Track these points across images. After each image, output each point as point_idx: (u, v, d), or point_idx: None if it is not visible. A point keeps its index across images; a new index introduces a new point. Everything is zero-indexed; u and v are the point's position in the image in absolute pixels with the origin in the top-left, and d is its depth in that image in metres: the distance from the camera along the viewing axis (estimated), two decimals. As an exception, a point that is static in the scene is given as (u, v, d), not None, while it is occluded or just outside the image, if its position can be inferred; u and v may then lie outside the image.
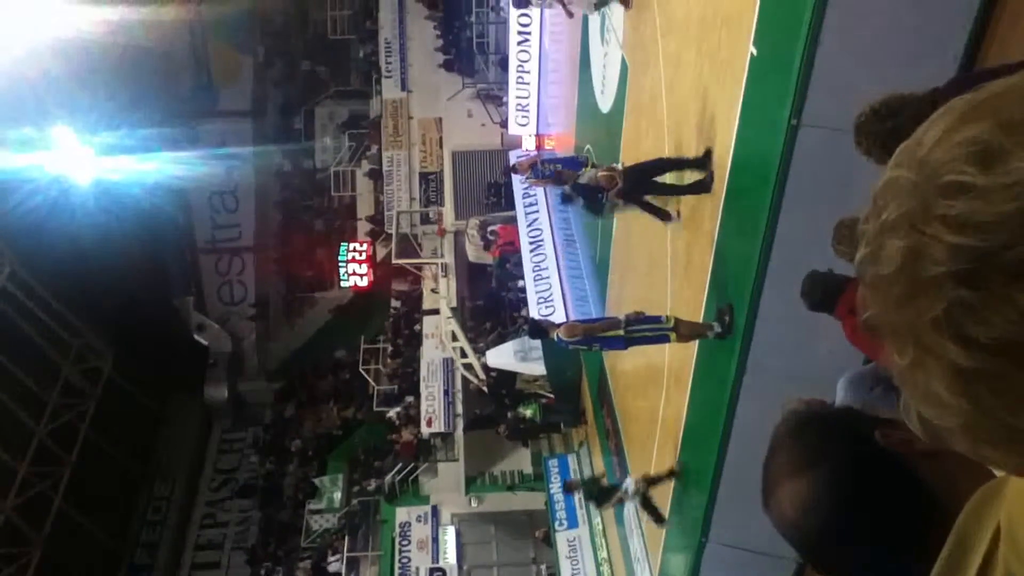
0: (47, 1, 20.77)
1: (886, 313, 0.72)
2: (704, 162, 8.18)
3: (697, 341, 8.86)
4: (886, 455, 1.03)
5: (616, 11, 11.99)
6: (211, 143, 27.19)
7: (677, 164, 8.79)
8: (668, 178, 9.02)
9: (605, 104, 13.46)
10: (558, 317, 16.45)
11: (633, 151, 11.78)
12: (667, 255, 10.00)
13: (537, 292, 15.57)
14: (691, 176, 8.58)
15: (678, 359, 9.88)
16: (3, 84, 20.89)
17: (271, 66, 29.51)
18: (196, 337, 28.40)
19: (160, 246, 28.66)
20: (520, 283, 18.33)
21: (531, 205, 17.31)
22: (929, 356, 0.69)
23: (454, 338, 20.30)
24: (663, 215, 9.31)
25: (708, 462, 8.63)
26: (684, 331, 8.27)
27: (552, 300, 15.10)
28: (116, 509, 26.43)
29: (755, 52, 7.01)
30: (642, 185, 9.04)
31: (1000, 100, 0.70)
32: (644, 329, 8.23)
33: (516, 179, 17.78)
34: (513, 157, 17.48)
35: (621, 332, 8.18)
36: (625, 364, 13.54)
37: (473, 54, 22.45)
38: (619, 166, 9.95)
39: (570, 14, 13.51)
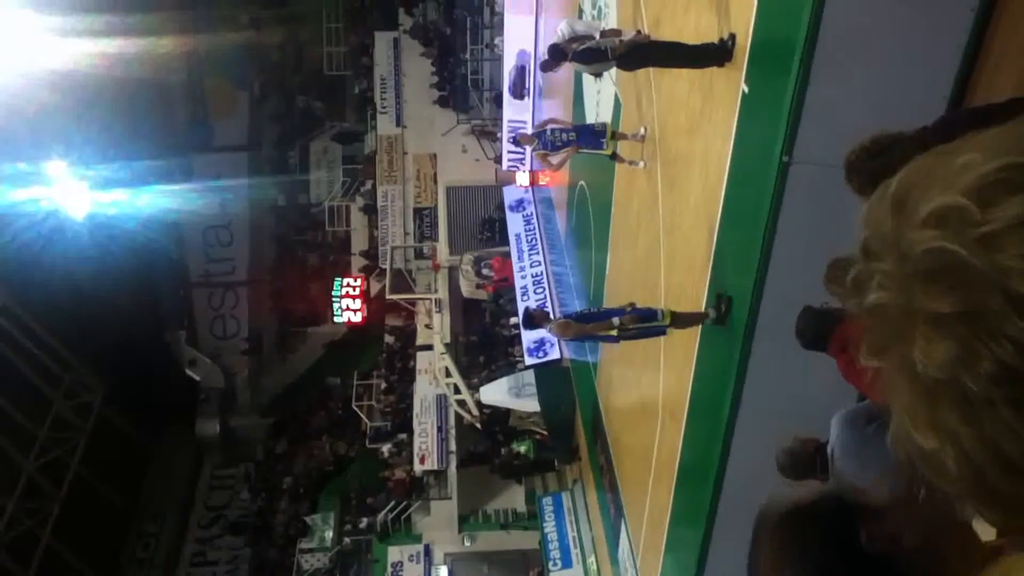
0: (43, 34, 20.92)
1: (915, 410, 0.69)
2: (723, 54, 7.53)
3: (693, 370, 8.84)
4: (871, 560, 0.99)
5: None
6: (206, 177, 27.25)
7: (693, 54, 7.92)
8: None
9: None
10: (552, 352, 16.50)
11: (626, 186, 11.85)
12: (661, 286, 10.01)
13: (530, 332, 15.54)
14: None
15: (673, 393, 9.84)
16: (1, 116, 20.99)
17: (267, 101, 29.69)
18: (188, 372, 28.22)
19: (153, 280, 28.60)
20: (514, 320, 18.34)
21: (528, 244, 17.38)
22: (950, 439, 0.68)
23: (448, 374, 20.23)
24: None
25: (703, 498, 8.57)
26: (681, 322, 8.11)
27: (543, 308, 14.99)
28: (105, 546, 26.06)
29: (746, 89, 7.08)
30: (650, 54, 8.52)
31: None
32: (639, 326, 8.00)
33: (513, 212, 17.87)
34: (509, 197, 17.55)
35: (614, 332, 8.04)
36: (619, 399, 13.50)
37: (467, 90, 22.67)
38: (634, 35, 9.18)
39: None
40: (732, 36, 7.39)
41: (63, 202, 23.61)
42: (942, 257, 0.65)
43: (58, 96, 22.05)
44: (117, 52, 22.58)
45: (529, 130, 12.08)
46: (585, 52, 8.51)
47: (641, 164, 10.78)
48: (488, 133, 22.34)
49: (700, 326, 8.35)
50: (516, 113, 18.56)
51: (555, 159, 10.88)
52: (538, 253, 18.09)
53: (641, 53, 8.43)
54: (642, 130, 10.66)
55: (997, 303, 0.63)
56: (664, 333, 8.07)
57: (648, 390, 10.95)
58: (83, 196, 23.98)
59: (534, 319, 8.60)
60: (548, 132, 10.60)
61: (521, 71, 17.82)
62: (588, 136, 10.70)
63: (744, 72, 7.08)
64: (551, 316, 8.49)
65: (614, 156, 10.85)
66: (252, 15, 28.70)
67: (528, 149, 10.99)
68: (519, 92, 18.07)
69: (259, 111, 29.40)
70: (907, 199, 0.72)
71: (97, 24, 21.43)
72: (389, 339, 24.89)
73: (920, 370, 0.67)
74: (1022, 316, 0.62)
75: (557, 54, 8.98)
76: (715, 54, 7.60)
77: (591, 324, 8.35)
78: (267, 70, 29.64)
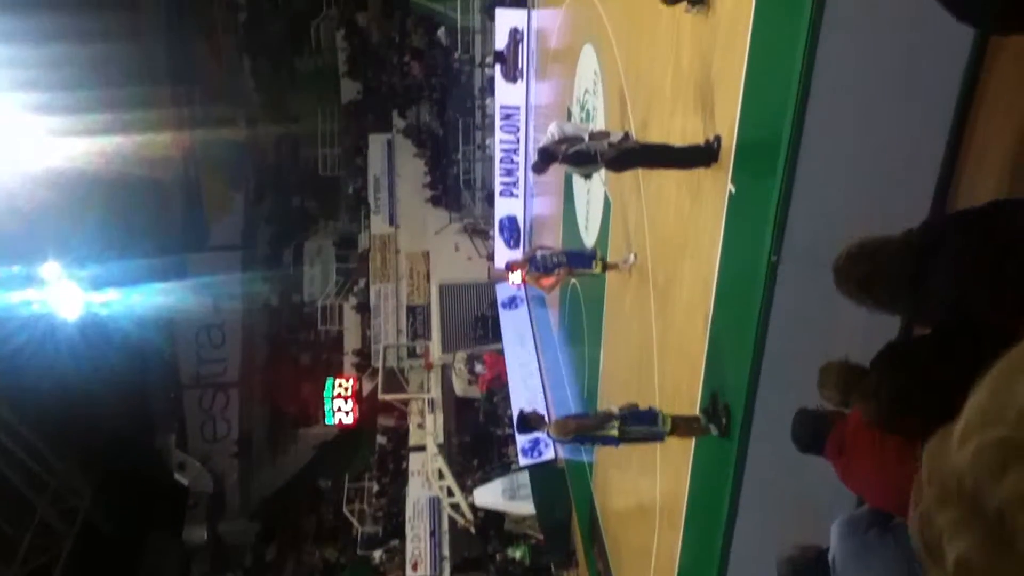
0: (42, 133, 21.28)
1: None
2: (709, 155, 7.57)
3: (689, 475, 8.63)
4: None
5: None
6: (200, 276, 27.36)
7: (681, 157, 7.96)
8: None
9: (590, 238, 13.63)
10: (547, 452, 16.21)
11: (618, 283, 11.84)
12: (655, 389, 9.88)
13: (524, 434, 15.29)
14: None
15: (670, 498, 9.60)
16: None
17: (262, 201, 30.07)
18: (177, 476, 27.69)
19: (145, 382, 28.36)
20: (508, 419, 18.11)
21: (520, 341, 17.32)
22: None
23: (441, 476, 19.83)
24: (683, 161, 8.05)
25: (703, 608, 8.25)
26: (681, 430, 7.97)
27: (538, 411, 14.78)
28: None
29: (733, 189, 7.13)
30: (638, 158, 8.51)
31: None
32: (639, 430, 7.90)
33: (506, 310, 17.88)
34: (501, 295, 17.60)
35: (615, 432, 7.88)
36: (616, 501, 13.18)
37: (460, 190, 22.99)
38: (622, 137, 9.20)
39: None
40: (717, 138, 7.49)
41: (56, 304, 23.59)
42: None
43: (55, 194, 22.29)
44: (114, 150, 22.96)
45: (520, 255, 12.47)
46: (575, 155, 8.63)
47: (632, 257, 10.84)
48: (480, 231, 22.54)
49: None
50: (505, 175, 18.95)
51: (547, 282, 11.09)
52: (531, 350, 18.00)
53: (629, 156, 8.54)
54: (632, 256, 10.78)
55: None
56: (663, 438, 7.91)
57: (645, 492, 10.69)
58: (76, 297, 23.98)
59: (529, 422, 8.42)
60: (539, 256, 10.92)
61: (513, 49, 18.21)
62: (578, 259, 11.05)
63: (730, 172, 7.15)
64: (546, 420, 8.33)
65: (605, 268, 11.10)
66: (249, 116, 29.36)
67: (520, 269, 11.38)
68: (511, 74, 18.37)
69: (254, 211, 29.75)
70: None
71: (94, 122, 21.84)
72: (381, 440, 24.53)
73: None
74: None
75: (547, 156, 9.11)
76: (702, 155, 7.69)
77: (591, 420, 8.26)
78: (263, 171, 30.14)
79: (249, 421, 28.73)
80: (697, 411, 8.12)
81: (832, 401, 3.98)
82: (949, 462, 0.71)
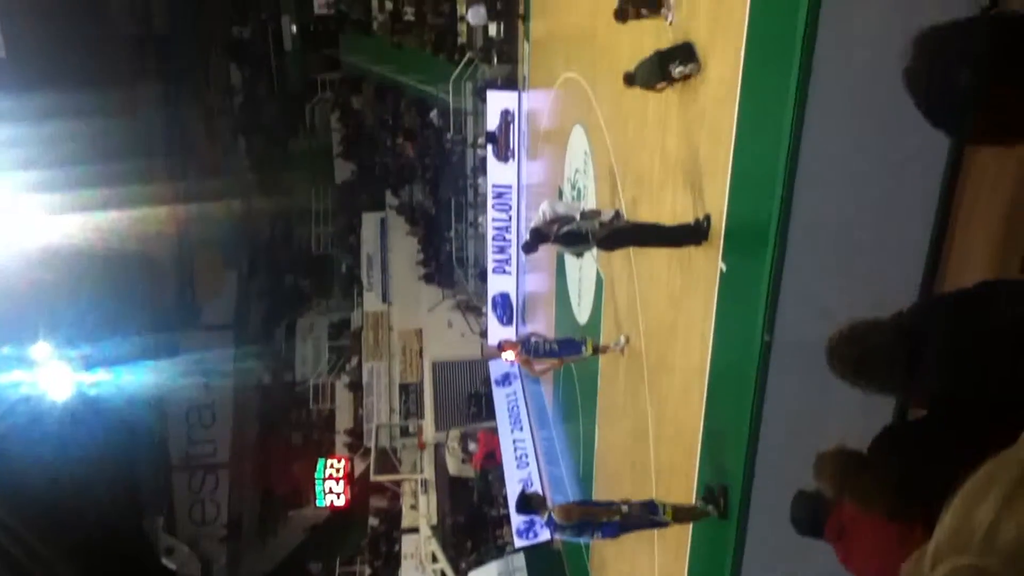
0: (36, 211, 21.40)
1: None
2: (699, 234, 7.67)
3: (688, 558, 8.48)
4: None
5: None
6: (192, 355, 27.19)
7: (671, 236, 8.08)
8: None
9: (583, 315, 13.66)
10: (543, 533, 15.91)
11: (612, 360, 11.81)
12: (651, 469, 9.78)
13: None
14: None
15: (668, 580, 9.40)
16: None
17: (255, 279, 30.15)
18: (164, 561, 27.00)
19: (134, 464, 27.85)
20: (503, 499, 17.83)
21: (514, 419, 17.18)
22: None
23: (434, 559, 19.41)
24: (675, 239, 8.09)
25: None
26: (682, 517, 7.89)
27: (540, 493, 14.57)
28: None
29: (724, 268, 7.19)
30: (629, 237, 8.68)
31: None
32: (641, 519, 7.82)
33: (499, 387, 17.78)
34: (495, 372, 17.53)
35: (618, 517, 7.77)
36: (613, 584, 12.90)
37: (452, 267, 23.11)
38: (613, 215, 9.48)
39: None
40: (707, 216, 7.58)
41: (45, 386, 23.36)
42: None
43: (48, 272, 22.29)
44: (108, 226, 23.04)
45: (514, 336, 12.68)
46: (566, 235, 8.72)
47: (623, 339, 10.89)
48: (474, 308, 22.57)
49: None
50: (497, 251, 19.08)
51: (539, 366, 11.39)
52: (525, 428, 17.83)
53: (621, 235, 8.64)
54: (622, 339, 10.90)
55: None
56: (666, 525, 7.83)
57: (643, 574, 10.47)
58: (66, 378, 23.76)
59: (530, 503, 8.27)
60: (532, 341, 11.14)
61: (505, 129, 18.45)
62: (569, 347, 11.20)
63: (721, 251, 7.22)
64: (548, 503, 8.23)
65: (596, 351, 11.22)
66: (243, 195, 29.66)
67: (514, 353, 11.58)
68: (503, 154, 18.54)
69: (247, 289, 29.79)
70: None
71: (88, 198, 21.98)
72: (373, 521, 24.08)
73: None
74: None
75: (539, 237, 9.21)
76: (692, 234, 7.77)
77: (598, 508, 8.17)
78: (256, 249, 30.30)
79: (239, 503, 28.21)
80: (694, 496, 8.06)
81: (829, 493, 3.94)
82: None
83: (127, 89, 25.82)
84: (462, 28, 21.86)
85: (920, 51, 2.44)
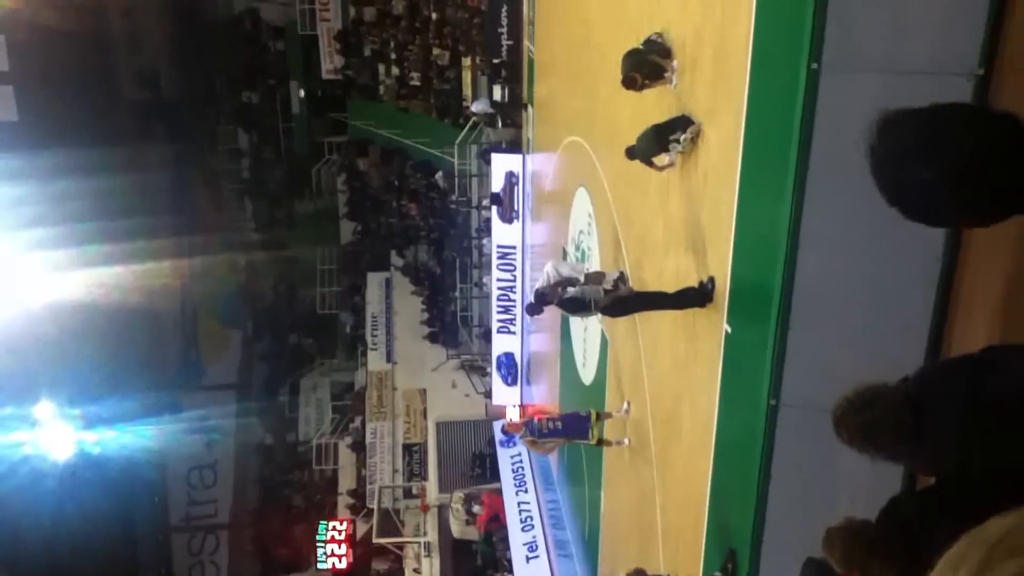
0: (40, 268, 21.56)
1: None
2: (703, 297, 7.69)
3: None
4: None
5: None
6: (194, 415, 27.11)
7: (676, 301, 8.07)
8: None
9: (587, 376, 13.63)
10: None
11: (618, 430, 11.74)
12: (658, 528, 9.66)
13: (525, 574, 14.89)
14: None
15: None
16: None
17: (259, 340, 30.19)
18: (162, 626, 26.59)
19: (133, 524, 27.61)
20: (507, 562, 17.56)
21: (518, 481, 17.03)
22: None
23: (438, 625, 19.07)
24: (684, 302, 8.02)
25: None
26: None
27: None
28: None
29: (729, 330, 7.20)
30: (633, 304, 8.71)
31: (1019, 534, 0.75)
32: None
33: (509, 458, 17.67)
34: (499, 432, 17.45)
35: None
36: (620, 651, 12.62)
37: (457, 327, 23.14)
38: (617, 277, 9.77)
39: None
40: (711, 279, 7.62)
41: (46, 446, 23.26)
42: None
43: (52, 330, 22.37)
44: (113, 282, 23.16)
45: (517, 416, 12.84)
46: (569, 302, 8.76)
47: (626, 405, 10.90)
48: (478, 368, 22.54)
49: None
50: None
51: (545, 446, 11.49)
52: (530, 490, 17.66)
53: (624, 303, 8.69)
54: (625, 405, 10.91)
55: None
56: None
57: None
58: (67, 437, 23.67)
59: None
60: (535, 421, 11.26)
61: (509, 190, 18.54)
62: (574, 425, 11.22)
63: (726, 313, 7.24)
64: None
65: (600, 443, 11.22)
66: (248, 256, 29.88)
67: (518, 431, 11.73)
68: (508, 215, 18.63)
69: (250, 350, 29.81)
70: None
71: (93, 255, 22.14)
72: (376, 585, 23.71)
73: None
74: None
75: (542, 300, 9.27)
76: (696, 297, 7.80)
77: None
78: (260, 310, 30.40)
79: (239, 565, 27.83)
80: (702, 563, 7.95)
81: (838, 569, 3.90)
82: None
83: (135, 152, 26.24)
84: (467, 94, 22.28)
85: (881, 132, 2.50)
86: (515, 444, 19.11)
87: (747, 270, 6.87)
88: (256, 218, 30.78)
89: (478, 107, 20.57)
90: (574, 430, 11.23)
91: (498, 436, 19.67)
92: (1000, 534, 0.77)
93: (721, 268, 7.34)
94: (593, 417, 11.16)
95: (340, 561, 23.85)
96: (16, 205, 21.39)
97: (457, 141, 20.89)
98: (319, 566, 24.32)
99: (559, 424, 11.33)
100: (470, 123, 21.03)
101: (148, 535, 28.10)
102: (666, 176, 8.67)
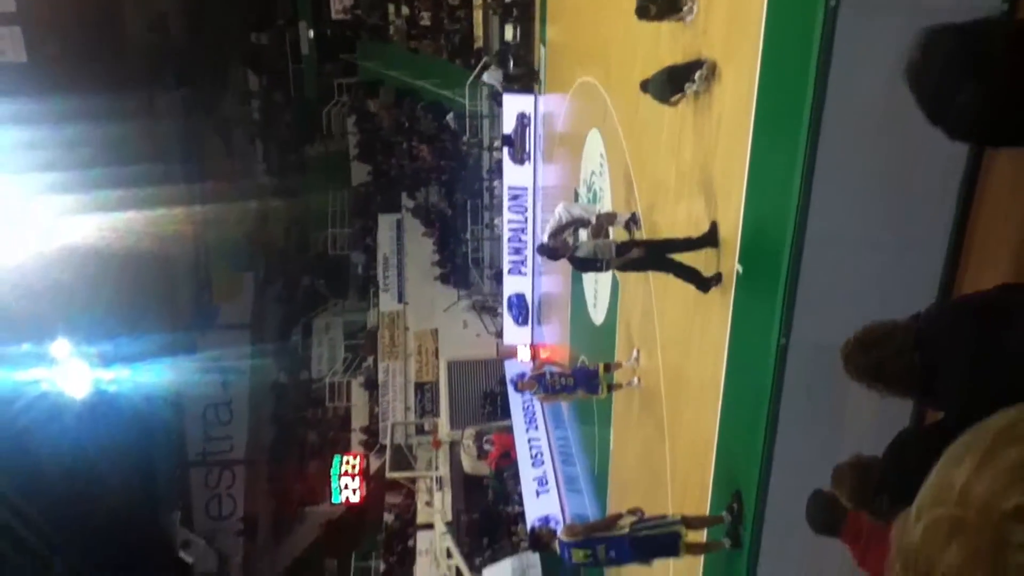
0: (55, 210, 21.67)
1: None
2: (711, 238, 7.79)
3: (703, 557, 8.55)
4: None
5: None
6: (209, 354, 27.46)
7: (686, 245, 8.14)
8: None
9: (598, 317, 13.73)
10: (557, 528, 15.99)
11: (628, 370, 11.88)
12: (667, 465, 9.84)
13: (535, 508, 15.20)
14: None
15: (683, 579, 9.47)
16: (10, 294, 21.39)
17: (271, 283, 30.38)
18: (181, 555, 27.28)
19: (151, 459, 28.17)
20: (518, 497, 17.92)
21: (529, 418, 17.24)
22: None
23: (449, 555, 19.53)
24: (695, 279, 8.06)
25: None
26: (694, 522, 7.90)
27: (551, 517, 14.73)
28: None
29: (740, 270, 7.25)
30: (642, 261, 8.62)
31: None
32: (650, 525, 7.77)
33: (520, 397, 17.88)
34: (510, 372, 17.60)
35: (626, 530, 7.77)
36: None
37: (468, 268, 23.23)
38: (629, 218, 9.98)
39: None
40: (714, 224, 7.70)
41: (64, 382, 23.64)
42: None
43: (67, 272, 22.58)
44: (127, 227, 23.31)
45: (528, 371, 13.13)
46: (580, 261, 8.82)
47: (635, 353, 11.04)
48: (489, 308, 22.69)
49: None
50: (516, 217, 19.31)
51: (557, 398, 12.18)
52: (540, 427, 17.92)
53: (635, 264, 8.73)
54: (635, 353, 11.01)
55: None
56: (679, 537, 7.74)
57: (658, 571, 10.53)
58: (84, 375, 24.04)
59: (542, 539, 8.33)
60: (547, 376, 11.59)
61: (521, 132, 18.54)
62: (584, 380, 11.55)
63: (738, 253, 7.28)
64: (557, 532, 8.36)
65: (611, 389, 11.55)
66: (260, 199, 29.90)
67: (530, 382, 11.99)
68: (519, 157, 18.69)
69: (263, 292, 30.02)
70: None
71: (107, 199, 22.24)
72: (388, 518, 24.22)
73: None
74: None
75: (553, 254, 9.42)
76: (707, 239, 7.85)
77: (599, 522, 8.29)
78: (273, 251, 30.53)
79: (255, 499, 28.45)
80: (709, 504, 8.11)
81: (847, 505, 3.98)
82: (908, 537, 0.84)
83: (145, 95, 26.12)
84: (478, 33, 21.99)
85: (923, 47, 2.47)
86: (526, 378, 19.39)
87: (760, 211, 6.88)
88: (267, 161, 30.72)
89: (490, 78, 20.29)
90: (585, 385, 11.54)
91: (508, 375, 19.91)
92: (1004, 423, 0.85)
93: (735, 208, 7.35)
94: (601, 369, 11.39)
95: (354, 495, 24.34)
96: (27, 148, 21.40)
97: (468, 82, 20.69)
98: (333, 499, 24.84)
99: (571, 380, 11.67)
100: (481, 63, 20.81)
101: (166, 469, 28.72)
102: (680, 118, 8.63)
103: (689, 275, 8.03)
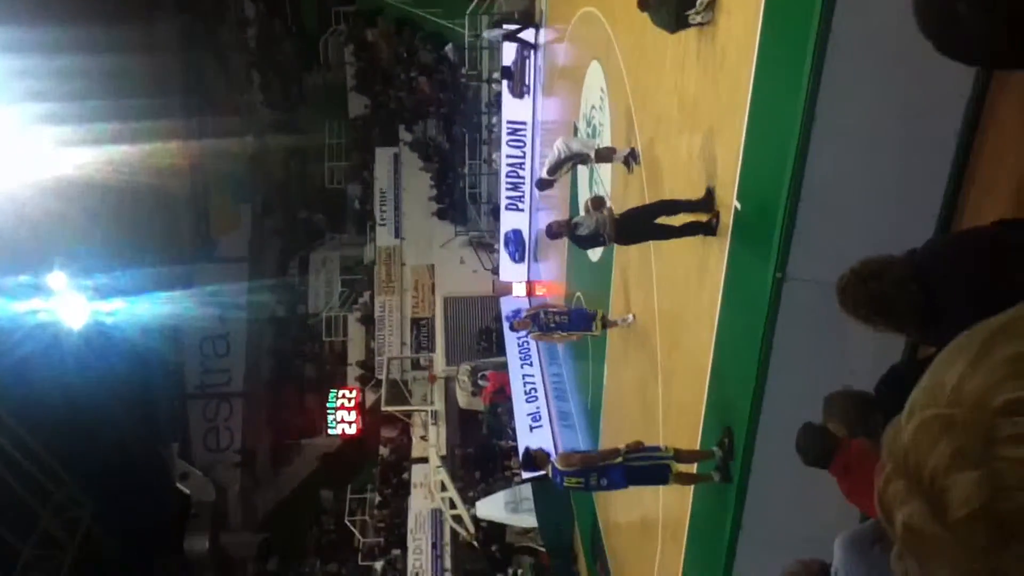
0: (51, 143, 21.42)
1: (969, 561, 0.74)
2: (707, 204, 7.81)
3: (692, 489, 8.68)
4: None
5: (604, 166, 12.33)
6: (206, 287, 27.45)
7: (674, 207, 8.23)
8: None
9: (594, 254, 13.69)
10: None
11: (623, 299, 11.91)
12: (659, 401, 9.93)
13: (528, 443, 15.33)
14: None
15: (673, 512, 9.62)
16: (6, 224, 21.27)
17: (269, 215, 30.23)
18: (179, 486, 27.69)
19: (149, 391, 28.39)
20: (511, 432, 18.12)
21: (523, 355, 17.34)
22: None
23: (443, 488, 19.84)
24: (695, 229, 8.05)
25: (706, 624, 8.27)
26: (685, 456, 8.05)
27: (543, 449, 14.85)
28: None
29: (739, 206, 7.20)
30: (639, 230, 8.71)
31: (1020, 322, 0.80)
32: (643, 456, 7.93)
33: (514, 335, 17.97)
34: (506, 307, 17.63)
35: (620, 459, 7.91)
36: (619, 516, 13.19)
37: (466, 203, 23.09)
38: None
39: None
40: (716, 216, 7.64)
41: (62, 314, 23.67)
42: None
43: (64, 204, 22.42)
44: (123, 159, 23.08)
45: (524, 310, 13.22)
46: (582, 238, 8.84)
47: (631, 319, 11.07)
48: (486, 245, 22.63)
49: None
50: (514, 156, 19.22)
51: (552, 337, 12.32)
52: (535, 363, 18.05)
53: (634, 234, 8.74)
54: (630, 316, 11.00)
55: None
56: (669, 470, 7.89)
57: (648, 508, 10.71)
58: (82, 307, 24.06)
59: (535, 460, 8.48)
60: (542, 315, 11.75)
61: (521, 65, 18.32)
62: (580, 320, 11.80)
63: (736, 190, 7.22)
64: (552, 457, 8.45)
65: (606, 325, 11.69)
66: (257, 130, 29.55)
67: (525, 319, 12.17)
68: (518, 90, 18.56)
69: (261, 225, 29.89)
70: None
71: (104, 132, 21.97)
72: (384, 451, 24.55)
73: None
74: None
75: (554, 236, 9.53)
76: (702, 228, 7.83)
77: (596, 453, 8.41)
78: (270, 184, 30.31)
79: (253, 432, 28.77)
80: (700, 439, 8.21)
81: (838, 432, 4.00)
82: (898, 439, 0.82)
83: (141, 24, 25.58)
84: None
85: None
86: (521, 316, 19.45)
87: (760, 146, 6.81)
88: (264, 92, 30.27)
89: (489, 35, 19.80)
90: (580, 324, 11.74)
91: (504, 312, 19.96)
92: (999, 323, 0.83)
93: (734, 144, 7.27)
94: (598, 316, 11.55)
95: (350, 427, 24.63)
96: (20, 77, 21.02)
97: (468, 11, 20.26)
98: (330, 432, 25.14)
99: (565, 319, 11.85)
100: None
101: (164, 401, 28.95)
102: (682, 51, 8.47)
103: (691, 230, 8.01)
